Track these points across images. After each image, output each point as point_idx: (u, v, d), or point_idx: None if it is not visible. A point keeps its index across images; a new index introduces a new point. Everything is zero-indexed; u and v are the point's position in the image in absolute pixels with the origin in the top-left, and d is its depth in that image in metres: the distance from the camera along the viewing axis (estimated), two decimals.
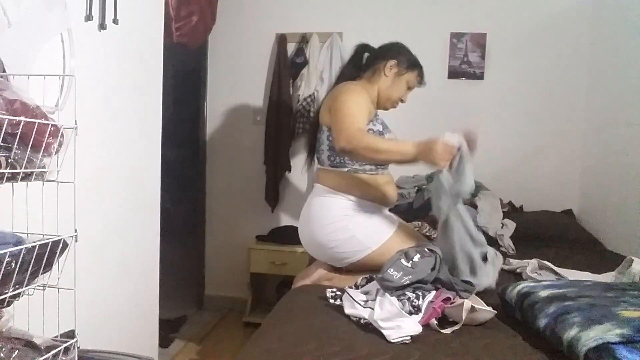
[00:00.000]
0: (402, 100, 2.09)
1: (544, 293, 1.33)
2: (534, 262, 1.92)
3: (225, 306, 3.40)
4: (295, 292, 1.77)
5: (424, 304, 1.36)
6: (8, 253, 0.86)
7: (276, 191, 3.28)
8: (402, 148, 1.71)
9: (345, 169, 1.93)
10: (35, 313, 1.05)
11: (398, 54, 2.03)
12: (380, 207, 1.98)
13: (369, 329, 1.33)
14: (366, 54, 2.10)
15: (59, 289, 1.02)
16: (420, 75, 2.08)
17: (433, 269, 1.46)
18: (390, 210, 2.09)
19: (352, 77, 2.07)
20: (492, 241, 2.40)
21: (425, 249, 1.51)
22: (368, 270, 1.72)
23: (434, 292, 1.41)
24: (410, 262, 1.45)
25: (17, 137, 0.88)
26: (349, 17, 3.21)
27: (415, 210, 2.61)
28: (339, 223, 1.86)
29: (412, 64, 2.04)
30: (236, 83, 3.38)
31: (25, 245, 0.90)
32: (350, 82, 2.01)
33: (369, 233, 1.86)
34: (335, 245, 1.87)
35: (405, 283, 1.39)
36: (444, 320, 1.38)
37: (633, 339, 1.03)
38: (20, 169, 0.91)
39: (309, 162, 2.18)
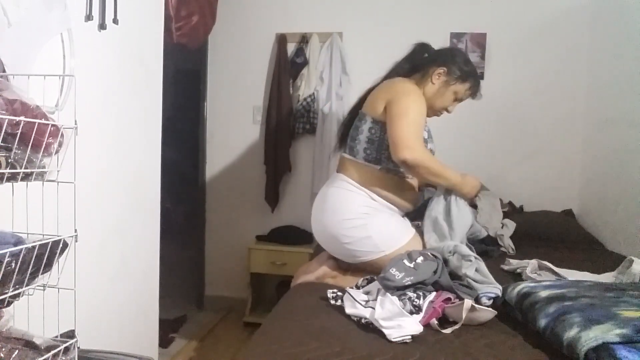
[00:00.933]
0: (447, 111, 2.01)
1: (544, 293, 1.33)
2: (534, 262, 1.91)
3: (225, 306, 3.40)
4: (295, 292, 1.77)
5: (424, 303, 1.37)
6: (8, 253, 0.86)
7: (276, 191, 3.28)
8: (451, 176, 1.86)
9: (379, 167, 1.87)
10: (35, 313, 1.05)
11: (450, 62, 1.93)
12: (399, 211, 1.95)
13: (370, 329, 1.33)
14: (425, 55, 2.02)
15: (59, 289, 1.02)
16: (473, 87, 1.98)
17: (435, 272, 1.46)
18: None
19: (405, 75, 1.99)
20: (492, 241, 2.41)
21: (429, 253, 1.52)
22: (375, 271, 1.70)
23: (434, 293, 1.42)
24: (413, 263, 1.45)
25: (17, 137, 0.88)
26: (349, 17, 3.21)
27: (415, 210, 2.61)
28: (358, 220, 1.82)
29: (464, 74, 1.94)
30: (236, 83, 3.38)
31: (25, 245, 0.90)
32: (408, 81, 1.93)
33: (385, 236, 1.82)
34: (349, 242, 1.82)
35: (406, 284, 1.40)
36: (444, 320, 1.38)
37: (633, 339, 1.03)
38: (20, 169, 0.91)
39: (339, 148, 2.09)
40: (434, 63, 1.95)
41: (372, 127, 1.87)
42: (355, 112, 2.00)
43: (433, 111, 2.00)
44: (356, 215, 1.83)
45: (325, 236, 1.91)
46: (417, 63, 2.01)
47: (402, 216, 1.99)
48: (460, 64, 1.95)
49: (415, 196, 2.00)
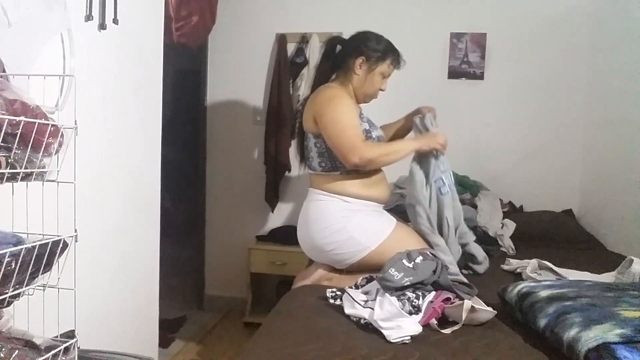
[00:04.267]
0: (381, 90, 2.03)
1: (544, 293, 1.33)
2: (534, 262, 1.92)
3: (225, 306, 3.40)
4: (295, 292, 1.77)
5: (424, 304, 1.36)
6: (8, 253, 0.86)
7: (276, 191, 3.28)
8: (407, 145, 1.93)
9: (338, 172, 1.92)
10: (35, 313, 1.05)
11: (364, 48, 1.94)
12: (376, 206, 1.97)
13: (369, 329, 1.33)
14: (339, 47, 2.04)
15: (59, 289, 1.02)
16: (394, 60, 1.98)
17: (434, 272, 1.46)
18: (390, 210, 2.09)
19: (328, 76, 2.03)
20: (492, 241, 2.41)
21: (428, 252, 1.51)
22: (368, 271, 1.72)
23: (433, 293, 1.42)
24: (412, 263, 1.45)
25: (17, 137, 0.88)
26: (349, 17, 3.21)
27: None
28: (337, 225, 1.86)
29: (381, 54, 1.95)
30: (236, 83, 3.38)
31: (25, 245, 0.90)
32: (328, 86, 1.97)
33: (367, 233, 1.86)
34: (334, 248, 1.86)
35: (405, 284, 1.40)
36: (444, 321, 1.38)
37: (633, 339, 1.03)
38: (20, 169, 0.91)
39: (303, 167, 2.16)
40: (350, 55, 1.97)
41: (316, 142, 1.94)
42: (301, 131, 2.07)
43: (369, 97, 2.03)
44: (334, 221, 1.87)
45: (313, 249, 1.97)
46: (335, 59, 2.03)
47: (396, 213, 2.04)
48: (374, 45, 1.96)
49: (386, 186, 2.03)
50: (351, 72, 1.97)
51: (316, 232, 1.90)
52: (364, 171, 1.92)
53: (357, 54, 1.95)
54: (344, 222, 1.86)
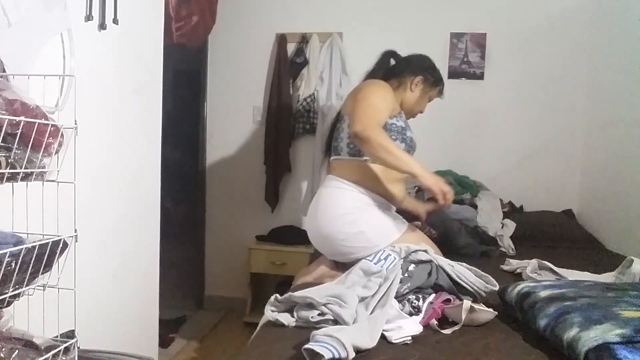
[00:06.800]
0: (421, 112, 2.15)
1: (544, 293, 1.33)
2: (534, 262, 1.92)
3: (225, 306, 3.40)
4: (295, 292, 1.76)
5: (424, 305, 1.37)
6: (8, 253, 0.86)
7: (276, 191, 3.28)
8: (409, 161, 1.78)
9: (363, 158, 1.91)
10: (35, 313, 1.05)
11: (425, 71, 2.06)
12: (389, 205, 1.97)
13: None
14: (392, 61, 2.12)
15: (59, 289, 1.02)
16: (441, 89, 2.14)
17: (430, 274, 1.47)
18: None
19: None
20: (492, 241, 2.41)
21: (421, 259, 1.52)
22: None
23: (433, 294, 1.42)
24: (406, 272, 1.47)
25: (17, 137, 0.88)
26: (349, 17, 3.21)
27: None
28: (350, 216, 1.84)
29: (437, 80, 2.10)
30: (236, 83, 3.38)
31: (25, 245, 0.90)
32: (379, 80, 2.01)
33: (378, 231, 1.84)
34: (344, 238, 1.84)
35: (404, 292, 1.42)
36: (444, 321, 1.38)
37: (633, 339, 1.03)
38: (20, 169, 0.91)
39: (327, 157, 2.12)
40: (408, 72, 2.06)
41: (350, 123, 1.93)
42: (337, 119, 2.09)
43: (412, 115, 2.13)
44: (347, 210, 1.85)
45: (320, 237, 1.93)
46: (389, 70, 2.11)
47: (398, 212, 2.02)
48: (432, 70, 2.09)
49: (403, 187, 2.03)
50: (406, 87, 2.05)
51: (328, 219, 1.87)
52: (387, 166, 1.85)
53: (418, 72, 2.05)
54: (356, 214, 1.84)
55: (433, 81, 2.08)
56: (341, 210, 1.86)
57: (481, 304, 1.41)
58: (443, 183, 1.80)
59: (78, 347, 1.05)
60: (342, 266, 1.94)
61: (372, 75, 2.11)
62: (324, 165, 2.15)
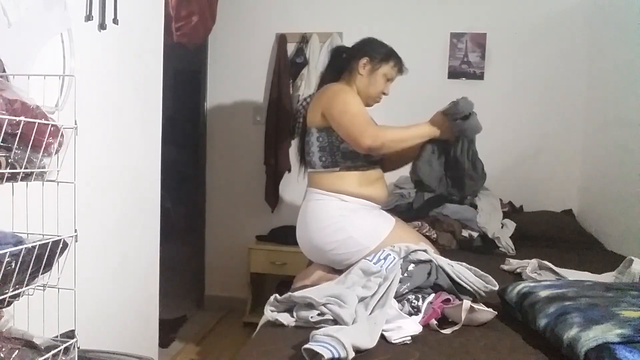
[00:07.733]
0: (384, 93, 2.05)
1: (544, 293, 1.32)
2: (533, 262, 1.91)
3: (225, 306, 3.40)
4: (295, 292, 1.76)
5: (423, 305, 1.37)
6: (8, 253, 0.86)
7: (276, 191, 3.28)
8: (420, 130, 1.87)
9: (337, 168, 1.92)
10: (35, 313, 1.05)
11: (368, 49, 2.00)
12: (374, 206, 1.97)
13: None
14: (344, 56, 2.09)
15: (59, 289, 1.02)
16: (397, 64, 2.03)
17: (429, 274, 1.47)
18: (389, 210, 2.09)
19: (332, 80, 2.06)
20: (492, 241, 2.40)
21: (420, 259, 1.52)
22: None
23: (433, 294, 1.42)
24: (406, 272, 1.47)
25: (17, 137, 0.88)
26: (349, 17, 3.21)
27: (416, 210, 2.61)
28: (336, 224, 1.86)
29: (384, 56, 2.00)
30: (236, 83, 3.38)
31: (25, 245, 0.90)
32: (336, 84, 2.00)
33: (366, 232, 1.86)
34: (334, 247, 1.86)
35: (404, 292, 1.42)
36: (443, 321, 1.38)
37: (633, 339, 1.03)
38: (20, 169, 0.91)
39: (304, 169, 2.15)
40: (354, 58, 2.02)
41: (319, 136, 1.94)
42: (304, 131, 2.08)
43: (372, 99, 2.05)
44: (333, 220, 1.87)
45: (312, 249, 1.96)
46: (340, 65, 2.08)
47: (397, 213, 2.02)
48: (378, 47, 2.02)
49: (384, 185, 2.03)
50: (355, 73, 2.00)
51: (315, 231, 1.90)
52: (363, 167, 1.92)
53: (361, 54, 2.00)
54: (342, 221, 1.86)
55: (381, 57, 1.99)
56: (327, 221, 1.88)
57: (481, 303, 1.41)
58: (447, 127, 1.85)
59: (78, 347, 1.05)
60: (338, 269, 1.94)
61: (325, 75, 2.11)
62: (303, 175, 2.14)
